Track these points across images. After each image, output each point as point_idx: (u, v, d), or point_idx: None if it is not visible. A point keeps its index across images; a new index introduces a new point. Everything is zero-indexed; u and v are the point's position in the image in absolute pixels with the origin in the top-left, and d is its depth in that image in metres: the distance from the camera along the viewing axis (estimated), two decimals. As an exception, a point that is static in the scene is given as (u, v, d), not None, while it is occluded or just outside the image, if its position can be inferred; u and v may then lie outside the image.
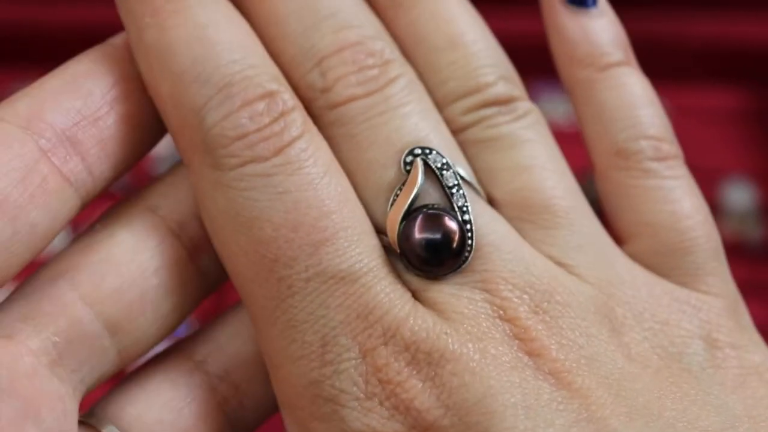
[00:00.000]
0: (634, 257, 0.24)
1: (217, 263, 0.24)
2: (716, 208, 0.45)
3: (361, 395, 0.21)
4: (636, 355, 0.22)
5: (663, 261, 0.24)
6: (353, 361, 0.21)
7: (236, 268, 0.22)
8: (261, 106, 0.22)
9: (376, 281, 0.21)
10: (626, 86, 0.26)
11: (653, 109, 0.26)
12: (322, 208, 0.21)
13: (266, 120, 0.22)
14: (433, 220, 0.22)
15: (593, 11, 0.26)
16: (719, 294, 0.24)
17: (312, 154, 0.22)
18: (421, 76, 0.24)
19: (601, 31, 0.26)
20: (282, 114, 0.22)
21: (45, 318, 0.22)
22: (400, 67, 0.23)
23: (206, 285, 0.24)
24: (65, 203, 0.22)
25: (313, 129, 0.22)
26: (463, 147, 0.24)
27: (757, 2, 0.48)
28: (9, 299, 0.22)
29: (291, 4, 0.24)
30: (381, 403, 0.21)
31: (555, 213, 0.23)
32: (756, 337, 0.24)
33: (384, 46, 0.23)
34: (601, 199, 0.25)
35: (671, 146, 0.25)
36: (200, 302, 0.24)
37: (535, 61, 0.49)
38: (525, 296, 0.22)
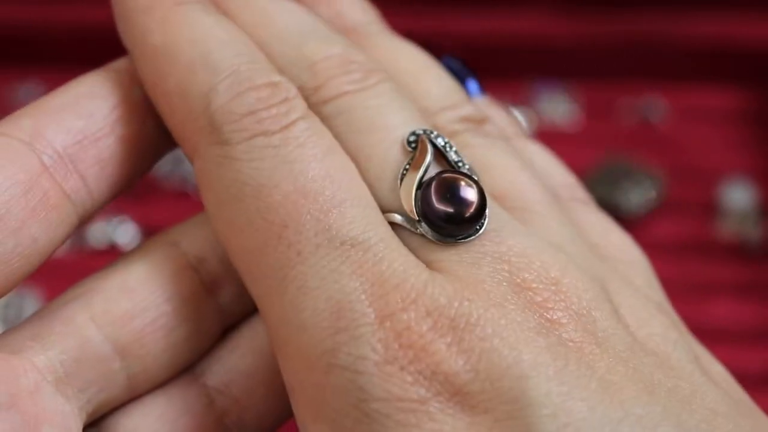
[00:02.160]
0: None
1: (236, 300, 0.24)
2: (716, 208, 0.45)
3: (381, 360, 0.20)
4: (640, 338, 0.22)
5: None
6: (371, 327, 0.20)
7: (242, 242, 0.22)
8: (267, 91, 0.23)
9: (389, 251, 0.21)
10: (535, 155, 0.27)
11: (560, 168, 0.28)
12: (330, 179, 0.22)
13: (273, 101, 0.23)
14: (451, 181, 0.22)
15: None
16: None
17: (314, 134, 0.22)
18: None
19: None
20: (286, 99, 0.23)
21: (54, 337, 0.22)
22: (384, 74, 0.24)
23: (224, 321, 0.24)
24: (64, 219, 0.23)
25: (315, 117, 0.23)
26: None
27: (757, 2, 0.48)
28: (25, 320, 0.23)
29: (277, 23, 0.25)
30: (403, 368, 0.20)
31: (549, 205, 0.24)
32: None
33: (366, 58, 0.24)
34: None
35: (584, 192, 0.27)
36: (217, 338, 0.24)
37: (535, 61, 0.49)
38: (541, 270, 0.21)
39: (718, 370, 0.23)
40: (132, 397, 0.23)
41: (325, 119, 0.23)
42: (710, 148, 0.48)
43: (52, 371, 0.22)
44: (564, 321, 0.21)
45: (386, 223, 0.22)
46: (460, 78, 0.27)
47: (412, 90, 0.25)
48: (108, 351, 0.22)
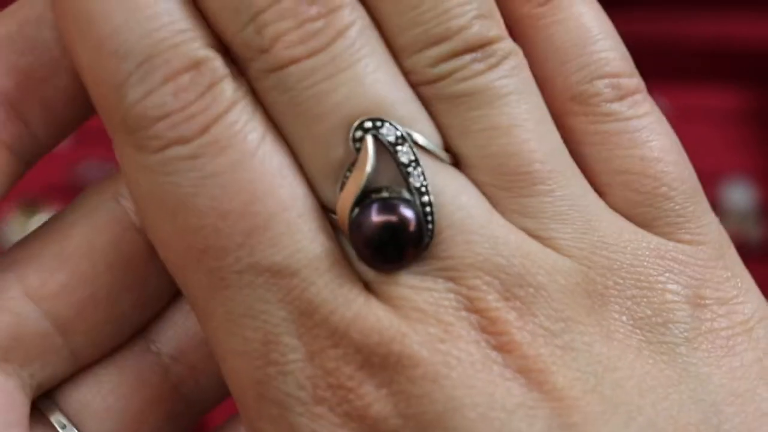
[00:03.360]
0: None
1: None
2: (716, 208, 0.45)
3: (309, 400, 0.19)
4: (615, 334, 0.20)
5: (640, 212, 0.22)
6: (299, 363, 0.19)
7: (166, 255, 0.20)
8: (186, 78, 0.19)
9: (318, 275, 0.19)
10: (573, 18, 0.22)
11: (607, 40, 0.23)
12: (254, 191, 0.19)
13: (191, 96, 0.19)
14: (388, 210, 0.19)
15: None
16: (703, 240, 0.22)
17: (242, 128, 0.19)
18: (380, 17, 0.21)
19: None
20: (210, 86, 0.19)
21: None
22: (349, 14, 0.20)
23: (173, 281, 0.22)
24: (5, 172, 0.21)
25: (247, 98, 0.20)
26: (430, 102, 0.21)
27: (757, 2, 0.48)
28: None
29: None
30: (332, 410, 0.19)
31: (534, 179, 0.21)
32: (746, 281, 0.22)
33: None
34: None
35: (631, 80, 0.23)
36: (168, 300, 0.23)
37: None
38: (495, 281, 0.19)
39: (742, 317, 0.21)
40: (79, 369, 0.22)
41: (268, 90, 0.20)
42: (710, 148, 0.48)
43: None
44: (513, 346, 0.19)
45: (323, 232, 0.20)
46: None
47: (397, 15, 0.20)
48: (47, 327, 0.21)
